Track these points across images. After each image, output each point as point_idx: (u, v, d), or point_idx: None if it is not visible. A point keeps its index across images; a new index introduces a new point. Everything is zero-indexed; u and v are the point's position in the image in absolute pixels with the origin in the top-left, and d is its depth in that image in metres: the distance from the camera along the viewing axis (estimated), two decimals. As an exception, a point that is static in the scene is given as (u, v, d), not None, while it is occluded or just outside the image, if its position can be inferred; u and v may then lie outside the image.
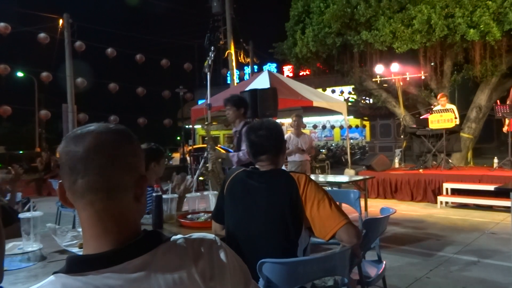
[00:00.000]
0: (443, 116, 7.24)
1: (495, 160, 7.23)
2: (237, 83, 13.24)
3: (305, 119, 5.95)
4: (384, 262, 2.36)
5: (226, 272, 0.73)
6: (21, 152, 16.00)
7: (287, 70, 21.80)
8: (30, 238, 1.62)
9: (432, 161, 7.83)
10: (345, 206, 2.73)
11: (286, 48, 10.69)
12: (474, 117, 9.57)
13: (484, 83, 9.38)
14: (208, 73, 5.40)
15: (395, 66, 9.34)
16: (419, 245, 4.27)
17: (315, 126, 19.89)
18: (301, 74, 16.88)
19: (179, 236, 0.75)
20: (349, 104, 14.04)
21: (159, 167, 2.47)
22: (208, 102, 5.17)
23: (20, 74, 18.66)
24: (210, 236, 0.77)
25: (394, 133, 14.74)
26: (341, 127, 19.02)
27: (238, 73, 14.69)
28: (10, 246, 1.65)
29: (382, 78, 10.10)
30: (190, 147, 13.10)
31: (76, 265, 0.66)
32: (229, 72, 14.23)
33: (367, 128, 19.63)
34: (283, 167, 1.94)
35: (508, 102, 7.15)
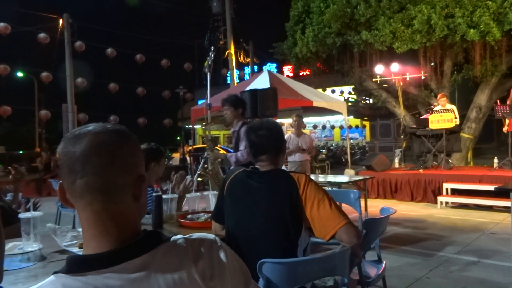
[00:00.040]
0: (443, 116, 7.24)
1: (495, 160, 7.23)
2: (237, 83, 13.24)
3: (305, 119, 5.95)
4: (384, 262, 2.36)
5: (226, 272, 0.73)
6: (21, 152, 15.98)
7: (287, 70, 21.80)
8: (30, 238, 1.62)
9: (432, 161, 7.82)
10: (345, 206, 2.73)
11: (286, 48, 10.69)
12: (474, 117, 9.57)
13: (484, 83, 9.38)
14: (208, 73, 5.40)
15: (395, 66, 9.34)
16: (419, 245, 4.27)
17: (315, 126, 19.89)
18: (301, 74, 16.88)
19: (179, 236, 0.75)
20: (349, 104, 14.04)
21: (159, 167, 2.46)
22: (208, 102, 5.17)
23: (20, 74, 18.67)
24: (210, 236, 0.77)
25: (394, 133, 14.74)
26: (341, 127, 19.02)
27: (238, 73, 14.69)
28: (10, 246, 1.65)
29: (382, 78, 10.10)
30: (190, 147, 13.10)
31: (76, 265, 0.66)
32: (229, 72, 14.23)
33: (367, 128, 19.63)
34: (283, 167, 1.94)
35: (508, 102, 7.15)
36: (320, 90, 10.86)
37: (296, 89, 7.51)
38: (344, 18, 8.97)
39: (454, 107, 7.52)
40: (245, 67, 18.16)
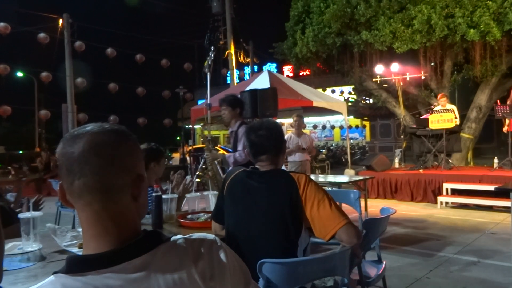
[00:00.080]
0: (443, 116, 7.24)
1: (495, 160, 7.23)
2: (237, 83, 13.23)
3: (305, 119, 5.95)
4: (384, 262, 2.36)
5: (226, 272, 0.73)
6: (21, 152, 15.98)
7: (287, 70, 21.80)
8: (29, 238, 1.62)
9: (433, 161, 7.82)
10: (345, 206, 2.73)
11: (286, 48, 10.69)
12: (474, 117, 9.57)
13: (484, 83, 9.38)
14: (208, 73, 5.41)
15: (395, 66, 9.33)
16: (419, 245, 4.27)
17: (315, 126, 19.88)
18: (301, 74, 16.88)
19: (179, 236, 0.75)
20: (349, 104, 14.03)
21: (159, 167, 2.46)
22: (208, 102, 5.17)
23: (20, 74, 18.66)
24: (210, 236, 0.77)
25: (394, 133, 14.73)
26: (341, 127, 19.02)
27: (238, 73, 14.69)
28: (10, 246, 1.65)
29: (382, 78, 10.10)
30: (190, 147, 13.10)
31: (76, 265, 0.66)
32: (229, 72, 14.23)
33: (367, 128, 19.62)
34: (283, 167, 1.93)
35: (508, 102, 7.15)
36: (320, 90, 10.86)
37: (296, 89, 7.50)
38: (344, 18, 8.97)
39: (454, 107, 7.52)
40: (245, 67, 18.16)
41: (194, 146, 12.63)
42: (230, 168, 3.54)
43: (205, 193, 2.60)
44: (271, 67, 21.59)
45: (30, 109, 20.66)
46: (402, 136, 9.24)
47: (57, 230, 1.77)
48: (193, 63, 15.07)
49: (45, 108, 13.90)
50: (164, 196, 2.14)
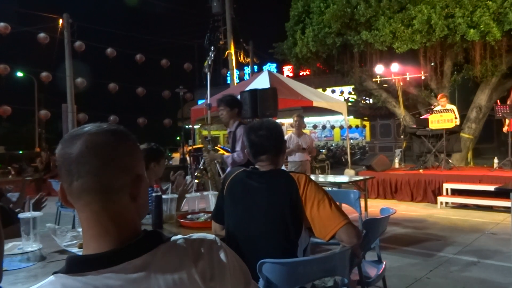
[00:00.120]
0: (443, 116, 7.24)
1: (495, 161, 7.23)
2: (237, 83, 13.23)
3: (305, 119, 5.95)
4: (384, 263, 2.36)
5: (226, 272, 0.74)
6: (21, 152, 15.97)
7: (287, 70, 21.78)
8: (29, 238, 1.61)
9: (434, 161, 7.82)
10: (345, 207, 2.73)
11: (286, 48, 10.69)
12: (474, 117, 9.57)
13: (484, 83, 9.38)
14: (208, 73, 5.40)
15: (395, 66, 9.33)
16: (419, 246, 4.27)
17: (315, 126, 19.88)
18: (301, 74, 16.87)
19: (179, 236, 0.75)
20: (349, 104, 14.02)
21: (159, 167, 2.46)
22: (208, 102, 5.17)
23: (20, 74, 18.65)
24: (210, 236, 0.77)
25: (394, 133, 14.72)
26: (341, 127, 19.01)
27: (238, 73, 14.68)
28: (10, 246, 1.65)
29: (382, 78, 10.10)
30: (190, 147, 13.10)
31: (76, 265, 0.66)
32: (229, 72, 14.22)
33: (367, 128, 19.61)
34: (283, 167, 1.93)
35: (508, 102, 7.15)
36: (320, 90, 10.86)
37: (296, 89, 7.50)
38: (344, 18, 8.97)
39: (454, 107, 7.52)
40: (245, 67, 18.15)
41: (194, 146, 12.63)
42: (229, 168, 3.53)
43: (205, 193, 2.60)
44: (271, 67, 21.58)
45: (30, 109, 20.66)
46: (402, 136, 9.23)
47: (57, 230, 1.76)
48: (193, 63, 15.08)
49: (45, 108, 13.90)
50: (164, 196, 2.14)
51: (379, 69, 9.55)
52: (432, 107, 8.09)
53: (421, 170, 7.39)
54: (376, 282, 2.20)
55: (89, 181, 0.68)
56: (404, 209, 6.36)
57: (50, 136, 22.12)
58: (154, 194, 2.00)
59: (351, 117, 15.51)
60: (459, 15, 7.75)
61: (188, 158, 13.52)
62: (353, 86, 14.13)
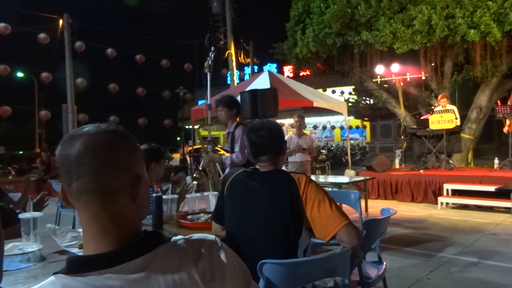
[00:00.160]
0: (443, 116, 7.24)
1: (496, 161, 7.22)
2: (237, 83, 13.23)
3: (306, 120, 5.95)
4: (385, 263, 2.35)
5: (226, 273, 0.74)
6: (21, 152, 15.96)
7: (287, 70, 21.78)
8: (30, 238, 1.61)
9: (435, 162, 7.81)
10: (345, 207, 2.73)
11: (286, 48, 10.69)
12: (474, 118, 9.56)
13: (484, 83, 9.37)
14: (208, 73, 5.41)
15: (395, 67, 9.32)
16: (420, 246, 4.26)
17: (315, 127, 19.89)
18: (301, 74, 16.88)
19: (179, 237, 0.75)
20: (350, 104, 14.01)
21: (160, 168, 2.46)
22: (208, 103, 5.17)
23: (20, 74, 18.67)
24: (211, 237, 0.77)
25: (395, 134, 14.70)
26: (342, 128, 19.02)
27: (238, 73, 14.68)
28: (10, 246, 1.65)
29: (383, 79, 10.09)
30: (190, 148, 13.10)
31: (76, 266, 0.66)
32: (229, 73, 14.22)
33: (368, 129, 19.60)
34: (284, 168, 1.93)
35: (508, 103, 7.15)
36: (320, 90, 10.85)
37: (297, 90, 7.50)
38: (344, 19, 8.97)
39: (454, 107, 7.52)
40: (245, 67, 18.17)
41: (194, 147, 12.63)
42: (228, 169, 3.52)
43: (205, 193, 2.60)
44: (271, 67, 21.58)
45: (30, 110, 20.68)
46: (402, 137, 9.23)
47: (57, 230, 1.76)
48: (193, 64, 15.09)
49: (45, 108, 13.92)
50: (164, 197, 2.14)
51: (379, 69, 9.55)
52: (433, 107, 8.08)
53: (421, 171, 7.39)
54: (376, 283, 2.20)
55: (88, 182, 0.68)
56: (405, 209, 6.35)
57: (50, 137, 22.13)
58: (154, 195, 2.00)
59: (352, 118, 15.50)
60: (460, 15, 7.75)
61: (188, 159, 13.52)
62: (353, 87, 14.12)
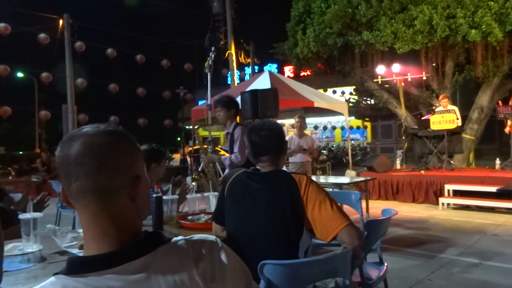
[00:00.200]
0: (444, 117, 7.23)
1: (497, 162, 7.21)
2: (237, 83, 13.22)
3: (306, 120, 5.95)
4: (386, 264, 2.34)
5: (227, 273, 0.73)
6: (21, 152, 15.94)
7: (288, 70, 21.78)
8: (30, 239, 1.61)
9: (437, 162, 7.80)
10: (346, 208, 2.71)
11: (287, 48, 10.68)
12: (475, 118, 9.54)
13: (486, 84, 9.36)
14: (208, 73, 5.40)
15: (396, 67, 9.31)
16: (421, 247, 4.25)
17: (316, 127, 19.88)
18: (302, 74, 16.86)
19: (180, 237, 0.75)
20: (350, 105, 14.01)
21: (160, 168, 2.46)
22: (209, 103, 5.16)
23: (20, 74, 18.68)
24: (211, 237, 0.77)
25: (396, 134, 14.67)
26: (342, 128, 19.00)
27: (239, 73, 14.70)
28: (10, 247, 1.64)
29: (384, 79, 10.07)
30: (191, 148, 13.10)
31: (77, 267, 0.66)
32: (229, 73, 14.22)
33: (368, 129, 19.60)
34: (284, 168, 1.92)
35: (510, 103, 7.15)
36: (321, 90, 10.85)
37: (297, 90, 7.50)
38: (345, 19, 8.96)
39: (456, 108, 7.50)
40: (246, 68, 18.18)
41: (195, 147, 12.63)
42: (227, 170, 3.51)
43: (206, 194, 2.59)
44: (272, 67, 21.58)
45: (30, 110, 20.71)
46: (403, 137, 9.21)
47: (57, 231, 1.76)
48: (193, 64, 15.10)
49: (45, 108, 13.94)
50: (164, 197, 2.13)
51: (380, 69, 9.54)
52: (434, 108, 8.07)
53: (422, 171, 7.37)
54: (377, 284, 2.19)
55: (87, 182, 0.69)
56: (406, 210, 6.34)
57: (50, 137, 22.15)
58: (154, 195, 1.99)
59: (352, 118, 15.50)
60: (461, 15, 7.74)
61: (188, 159, 13.52)
62: (354, 87, 14.11)
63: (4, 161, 12.16)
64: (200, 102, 18.44)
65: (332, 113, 9.88)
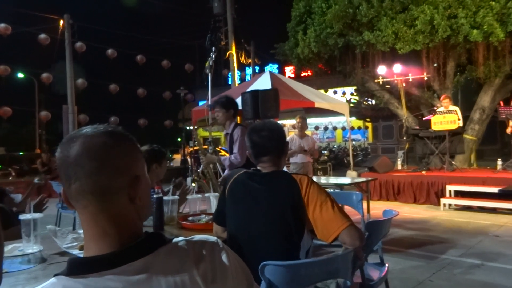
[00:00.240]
0: (446, 117, 7.21)
1: (499, 162, 7.20)
2: (238, 84, 13.22)
3: (307, 120, 5.93)
4: (387, 265, 2.33)
5: (228, 274, 0.73)
6: (21, 153, 15.95)
7: (289, 71, 21.77)
8: (30, 240, 1.61)
9: (438, 163, 7.78)
10: (347, 208, 2.70)
11: (287, 48, 10.67)
12: (477, 119, 9.52)
13: (487, 84, 9.34)
14: (209, 73, 5.40)
15: (397, 67, 9.29)
16: (422, 248, 4.24)
17: (317, 128, 19.85)
18: (302, 75, 16.86)
19: (180, 238, 0.75)
20: (351, 105, 14.00)
21: (161, 169, 2.45)
22: (209, 103, 5.15)
23: (20, 75, 18.70)
24: (212, 238, 0.77)
25: (397, 135, 14.66)
26: (343, 129, 18.98)
27: (239, 74, 14.70)
28: (10, 248, 1.64)
29: (385, 79, 10.06)
30: (191, 149, 13.11)
31: (77, 268, 0.66)
32: (230, 73, 14.22)
33: (370, 130, 19.58)
34: (285, 169, 1.92)
35: None
36: (322, 91, 10.83)
37: (298, 90, 7.49)
38: (346, 19, 8.95)
39: (457, 108, 7.48)
40: (247, 68, 18.15)
41: (195, 148, 12.63)
42: (227, 171, 3.50)
43: (207, 194, 2.59)
44: (273, 68, 21.59)
45: (30, 110, 20.73)
46: (404, 138, 9.19)
47: (57, 231, 1.75)
48: (194, 64, 15.10)
49: (45, 109, 13.95)
50: (165, 198, 2.12)
51: (381, 70, 9.52)
52: (435, 108, 8.04)
53: (423, 172, 7.36)
54: (378, 285, 2.18)
55: (86, 183, 0.69)
56: (407, 211, 6.33)
57: (51, 137, 22.17)
58: (155, 196, 1.98)
59: (353, 118, 15.49)
60: (462, 15, 7.72)
61: (189, 160, 13.52)
62: (355, 87, 14.10)
63: (4, 162, 12.17)
64: (201, 103, 18.43)
65: (333, 113, 9.86)
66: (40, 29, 11.66)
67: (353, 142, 18.03)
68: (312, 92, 8.04)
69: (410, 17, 8.26)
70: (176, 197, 2.28)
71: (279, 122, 2.87)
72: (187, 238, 0.75)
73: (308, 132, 6.26)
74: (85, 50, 12.24)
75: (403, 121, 9.27)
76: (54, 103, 15.43)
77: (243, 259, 0.80)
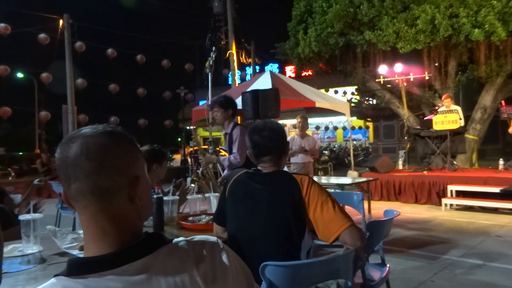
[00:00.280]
0: (447, 117, 7.19)
1: (501, 162, 7.18)
2: (238, 83, 13.21)
3: (308, 120, 5.92)
4: (388, 265, 2.32)
5: (228, 274, 0.73)
6: (21, 153, 15.95)
7: (289, 70, 21.77)
8: (30, 240, 1.61)
9: (440, 163, 7.76)
10: (348, 208, 2.69)
11: (288, 48, 10.66)
12: (479, 118, 9.50)
13: (489, 83, 9.32)
14: (209, 73, 5.40)
15: (398, 67, 9.28)
16: (424, 248, 4.23)
17: (317, 127, 19.84)
18: (303, 74, 16.85)
19: (181, 238, 0.75)
20: (352, 105, 13.97)
21: (161, 169, 2.45)
22: (209, 103, 5.15)
23: (20, 75, 18.71)
24: (212, 238, 0.77)
25: (398, 134, 14.64)
26: (344, 128, 18.98)
27: (240, 73, 14.68)
28: (10, 248, 1.64)
29: (386, 79, 10.04)
30: (191, 149, 13.11)
31: (77, 268, 0.66)
32: (230, 73, 14.21)
33: (370, 129, 19.56)
34: (286, 169, 1.91)
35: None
36: (322, 90, 10.82)
37: (299, 90, 7.48)
38: (347, 18, 8.93)
39: (458, 108, 7.47)
40: (247, 68, 18.14)
41: (195, 148, 12.62)
42: (226, 171, 3.48)
43: (207, 195, 2.58)
44: (273, 67, 21.59)
45: (30, 110, 20.75)
46: (405, 137, 9.19)
47: (57, 232, 1.75)
48: (194, 64, 15.10)
49: (45, 109, 13.96)
50: (165, 198, 2.12)
51: (382, 69, 9.51)
52: (436, 107, 8.02)
53: (425, 172, 7.34)
54: (379, 285, 2.17)
55: (85, 184, 0.69)
56: (408, 211, 6.31)
57: (50, 137, 22.19)
58: (155, 196, 1.98)
59: (354, 118, 15.48)
60: (464, 15, 7.71)
61: (189, 160, 13.52)
62: (356, 87, 14.09)
63: (4, 162, 12.17)
64: (201, 102, 18.41)
65: (334, 113, 9.84)
66: (40, 29, 11.67)
67: (354, 142, 18.02)
68: (313, 91, 8.03)
69: (411, 16, 8.25)
70: (176, 197, 2.27)
71: (280, 122, 2.86)
72: (187, 238, 0.75)
73: (309, 132, 6.25)
74: (84, 50, 12.25)
75: (404, 120, 9.26)
76: (53, 103, 15.43)
77: (243, 259, 0.79)
